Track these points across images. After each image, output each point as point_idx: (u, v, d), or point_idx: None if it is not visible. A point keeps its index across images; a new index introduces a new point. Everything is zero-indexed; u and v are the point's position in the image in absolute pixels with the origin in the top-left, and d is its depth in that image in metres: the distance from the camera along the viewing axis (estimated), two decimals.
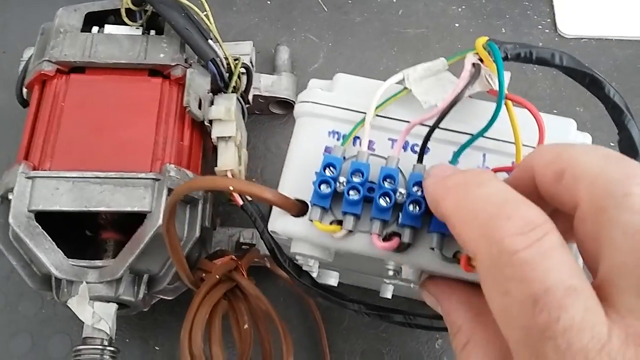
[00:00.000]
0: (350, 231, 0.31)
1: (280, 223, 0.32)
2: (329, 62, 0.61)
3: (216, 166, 0.43)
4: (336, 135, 0.33)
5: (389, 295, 0.43)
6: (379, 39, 0.62)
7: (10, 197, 0.39)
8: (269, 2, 0.64)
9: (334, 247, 0.32)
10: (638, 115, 0.56)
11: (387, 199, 0.29)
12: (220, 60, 0.45)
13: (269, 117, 0.58)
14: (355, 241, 0.31)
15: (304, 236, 0.32)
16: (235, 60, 0.47)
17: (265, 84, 0.55)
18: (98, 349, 0.40)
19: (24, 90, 0.46)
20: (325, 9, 0.64)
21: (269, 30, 0.63)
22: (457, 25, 0.63)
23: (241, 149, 0.46)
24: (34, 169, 0.40)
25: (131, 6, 0.46)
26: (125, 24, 0.47)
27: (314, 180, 0.30)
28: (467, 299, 0.28)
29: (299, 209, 0.31)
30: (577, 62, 0.32)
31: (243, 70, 0.48)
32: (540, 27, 0.63)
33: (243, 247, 0.48)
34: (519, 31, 0.63)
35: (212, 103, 0.45)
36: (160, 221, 0.39)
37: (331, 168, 0.30)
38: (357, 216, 0.31)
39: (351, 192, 0.30)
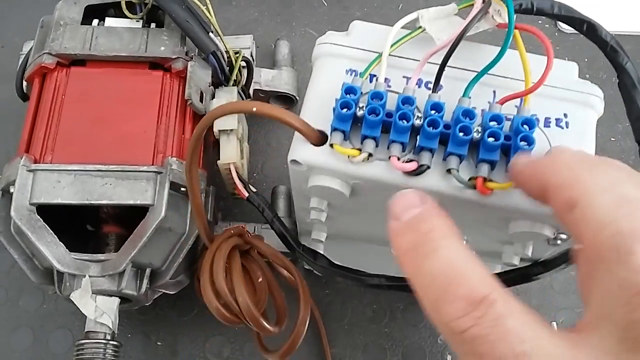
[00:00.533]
0: (369, 155, 0.31)
1: (301, 151, 0.32)
2: None
3: (218, 159, 0.43)
4: (353, 73, 0.33)
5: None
6: None
7: (11, 190, 0.39)
8: None
9: (353, 175, 0.32)
10: None
11: (405, 120, 0.30)
12: (221, 54, 0.45)
13: None
14: (374, 167, 0.31)
15: (323, 164, 0.32)
16: (236, 53, 0.47)
17: (265, 79, 0.55)
18: (101, 343, 0.40)
19: (24, 83, 0.46)
20: (325, 4, 0.64)
21: (269, 24, 0.63)
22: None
23: (243, 142, 0.46)
24: (35, 162, 0.40)
25: None
26: (126, 17, 0.46)
27: (334, 106, 0.31)
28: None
29: (319, 137, 0.32)
30: (573, 10, 0.34)
31: (244, 63, 0.48)
32: (540, 22, 0.63)
33: None
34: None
35: (213, 96, 0.45)
36: (163, 214, 0.39)
37: (351, 94, 0.31)
38: (376, 140, 0.31)
39: (371, 114, 0.30)
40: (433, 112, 0.30)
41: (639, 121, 0.34)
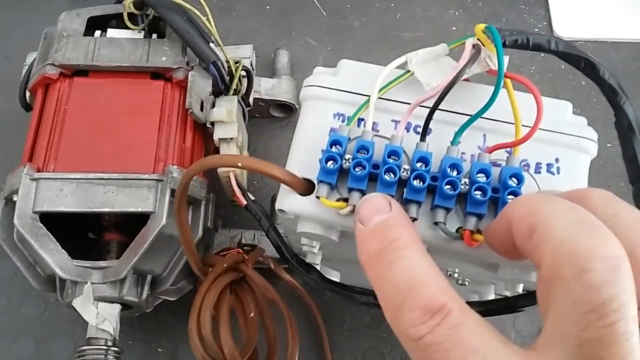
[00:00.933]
0: (355, 207, 0.31)
1: (288, 201, 0.33)
2: (328, 65, 0.61)
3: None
4: (341, 117, 0.34)
5: None
6: (377, 43, 0.63)
7: (14, 198, 0.39)
8: (268, 7, 0.65)
9: (339, 225, 0.32)
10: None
11: (392, 174, 0.30)
12: (222, 63, 0.46)
13: (269, 120, 0.58)
14: None
15: (310, 214, 0.32)
16: (236, 63, 0.48)
17: (265, 88, 0.56)
18: (102, 349, 0.40)
19: (27, 94, 0.47)
20: (324, 14, 0.65)
21: (269, 34, 0.63)
22: (454, 28, 0.64)
23: (242, 151, 0.47)
24: (38, 170, 0.40)
25: (133, 10, 0.46)
26: (128, 28, 0.47)
27: (321, 158, 0.31)
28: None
29: (306, 187, 0.32)
30: (571, 46, 0.33)
31: (244, 73, 0.49)
32: (536, 29, 0.64)
33: (245, 248, 0.49)
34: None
35: (213, 105, 0.46)
36: (164, 221, 0.39)
37: (337, 146, 0.31)
38: (363, 192, 0.31)
39: (357, 168, 0.30)
40: (420, 164, 0.30)
41: (633, 163, 0.33)
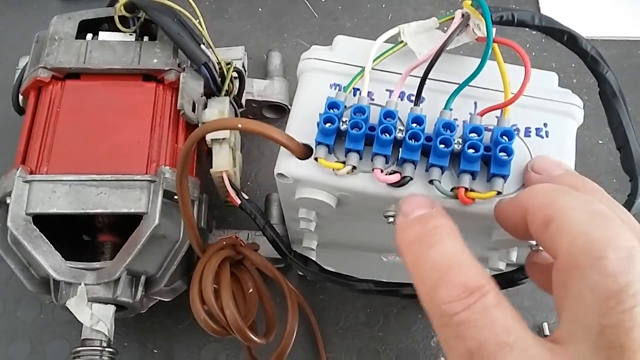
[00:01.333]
0: (353, 167, 0.31)
1: (287, 165, 0.33)
2: None
3: (211, 168, 0.44)
4: (337, 87, 0.34)
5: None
6: None
7: (8, 201, 0.40)
8: (260, 10, 0.65)
9: (338, 187, 0.33)
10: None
11: (387, 133, 0.30)
12: (213, 65, 0.46)
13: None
14: (358, 179, 0.32)
15: (309, 177, 0.33)
16: (227, 64, 0.48)
17: (258, 89, 0.56)
18: (97, 349, 0.40)
19: (20, 97, 0.47)
20: (316, 15, 0.65)
21: (261, 36, 0.64)
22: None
23: (235, 151, 0.47)
24: (31, 173, 0.41)
25: (124, 13, 0.47)
26: (119, 31, 0.47)
27: (318, 120, 0.32)
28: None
29: (304, 151, 0.32)
30: (554, 21, 0.34)
31: (235, 74, 0.49)
32: (526, 28, 0.64)
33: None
34: (506, 33, 0.64)
35: (205, 106, 0.46)
36: (156, 221, 0.39)
37: (334, 108, 0.32)
38: (360, 154, 0.32)
39: (354, 128, 0.31)
40: (414, 125, 0.31)
41: (619, 129, 0.35)
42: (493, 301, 0.23)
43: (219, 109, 0.45)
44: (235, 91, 0.50)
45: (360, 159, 0.32)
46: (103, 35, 0.47)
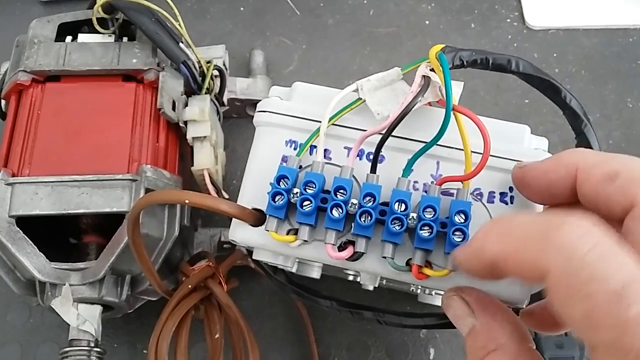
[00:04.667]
0: (305, 241, 0.31)
1: (239, 232, 0.33)
2: (304, 64, 0.62)
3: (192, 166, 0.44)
4: (293, 144, 0.33)
5: (371, 288, 0.44)
6: (351, 40, 0.64)
7: None
8: (242, 9, 0.65)
9: (292, 255, 0.33)
10: (607, 102, 0.57)
11: (340, 209, 0.30)
12: (193, 63, 0.46)
13: (247, 120, 0.59)
14: (312, 249, 0.32)
15: (262, 245, 0.33)
16: (207, 62, 0.48)
17: (241, 87, 0.56)
18: (84, 349, 0.40)
19: (2, 102, 0.47)
20: (298, 13, 0.65)
21: (243, 35, 0.64)
22: (427, 22, 0.64)
23: (217, 149, 0.47)
24: (13, 175, 0.41)
25: (102, 14, 0.47)
26: (98, 33, 0.48)
27: (269, 191, 0.31)
28: (514, 321, 0.28)
29: (256, 218, 0.32)
30: (534, 68, 0.32)
31: (216, 72, 0.49)
32: (508, 20, 0.64)
33: (225, 246, 0.49)
34: (488, 25, 0.64)
35: (186, 105, 0.46)
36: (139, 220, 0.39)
37: (285, 180, 0.31)
38: (312, 226, 0.31)
39: (304, 203, 0.30)
40: (368, 199, 0.30)
41: None
42: (616, 238, 0.21)
43: (199, 107, 0.45)
44: (217, 89, 0.50)
45: (315, 227, 0.31)
46: (82, 37, 0.48)
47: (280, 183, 0.31)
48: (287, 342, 0.50)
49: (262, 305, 0.51)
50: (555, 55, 0.62)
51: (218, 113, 0.49)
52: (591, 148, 0.33)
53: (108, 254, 0.40)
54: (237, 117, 0.58)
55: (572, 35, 0.63)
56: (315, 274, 0.44)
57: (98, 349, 0.41)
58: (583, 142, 0.33)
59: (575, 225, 0.21)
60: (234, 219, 0.33)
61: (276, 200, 0.30)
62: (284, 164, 0.32)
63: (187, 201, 0.31)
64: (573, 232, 0.21)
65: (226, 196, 0.41)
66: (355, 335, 0.51)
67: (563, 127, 0.42)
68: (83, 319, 0.41)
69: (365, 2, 0.66)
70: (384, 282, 0.39)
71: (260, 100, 0.55)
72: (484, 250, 0.25)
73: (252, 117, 0.58)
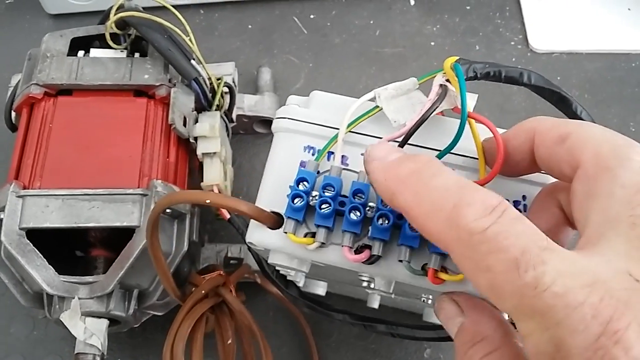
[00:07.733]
0: (323, 243, 0.31)
1: (257, 235, 0.33)
2: (310, 81, 0.63)
3: (202, 182, 0.44)
4: (311, 150, 0.34)
5: (376, 305, 0.44)
6: (357, 59, 0.64)
7: (1, 216, 0.40)
8: (250, 27, 0.66)
9: (308, 259, 0.33)
10: (610, 126, 0.58)
11: (357, 212, 0.30)
12: (204, 80, 0.47)
13: (254, 137, 0.59)
14: (328, 253, 0.32)
15: (279, 247, 0.33)
16: (218, 79, 0.49)
17: (248, 104, 0.57)
18: None
19: (13, 114, 0.48)
20: (305, 32, 0.66)
21: (251, 53, 0.64)
22: (432, 43, 0.65)
23: (226, 165, 0.47)
24: (24, 188, 0.41)
25: (115, 30, 0.47)
26: (110, 48, 0.48)
27: (288, 194, 0.31)
28: (500, 319, 0.29)
29: (274, 221, 0.32)
30: (545, 80, 0.33)
31: (226, 89, 0.49)
32: (512, 43, 0.65)
33: (231, 262, 0.49)
34: (492, 48, 0.65)
35: (196, 121, 0.47)
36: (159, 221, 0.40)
37: (304, 182, 0.31)
38: (330, 229, 0.31)
39: (323, 206, 0.31)
40: (384, 203, 0.30)
41: None
42: (517, 214, 0.23)
43: (209, 123, 0.45)
44: (226, 106, 0.50)
45: (332, 231, 0.32)
46: (94, 52, 0.48)
47: (300, 186, 0.31)
48: (292, 359, 0.50)
49: (267, 321, 0.51)
50: (558, 78, 0.63)
51: (227, 129, 0.50)
52: None
53: (117, 267, 0.40)
54: (244, 134, 0.58)
55: (575, 59, 0.64)
56: (321, 290, 0.44)
57: None
58: None
59: (480, 204, 0.23)
60: (251, 222, 0.33)
61: (295, 202, 0.31)
62: (302, 169, 0.32)
63: (208, 201, 0.32)
64: (477, 211, 0.23)
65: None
66: (359, 354, 0.51)
67: None
68: (90, 333, 0.41)
69: (371, 22, 0.66)
70: (393, 295, 0.39)
71: (267, 117, 0.57)
72: (395, 195, 0.26)
73: (259, 133, 0.59)
